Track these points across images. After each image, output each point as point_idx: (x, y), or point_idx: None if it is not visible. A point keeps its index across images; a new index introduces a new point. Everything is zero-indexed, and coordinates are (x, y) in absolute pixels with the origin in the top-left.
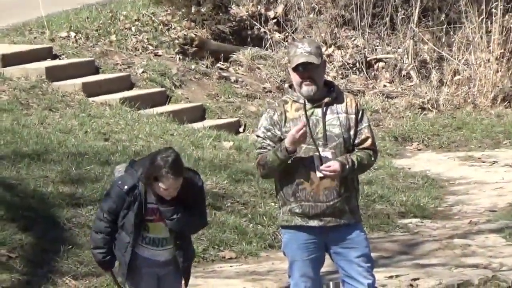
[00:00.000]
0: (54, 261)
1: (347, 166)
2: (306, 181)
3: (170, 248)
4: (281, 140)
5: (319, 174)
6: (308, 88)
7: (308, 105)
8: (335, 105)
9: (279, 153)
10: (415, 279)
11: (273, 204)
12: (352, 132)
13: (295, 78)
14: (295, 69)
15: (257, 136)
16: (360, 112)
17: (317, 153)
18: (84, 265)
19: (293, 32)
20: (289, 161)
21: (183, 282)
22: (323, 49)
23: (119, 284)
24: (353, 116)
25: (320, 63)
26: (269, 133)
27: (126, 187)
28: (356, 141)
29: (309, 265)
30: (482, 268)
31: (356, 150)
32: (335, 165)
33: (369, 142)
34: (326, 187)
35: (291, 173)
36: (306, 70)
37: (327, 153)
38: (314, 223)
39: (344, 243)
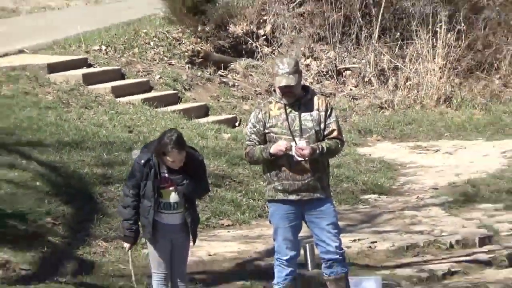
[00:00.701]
0: (89, 228)
1: (318, 151)
2: (286, 164)
3: (181, 211)
4: (264, 134)
5: (296, 159)
6: (288, 98)
7: (289, 107)
8: (309, 104)
9: (264, 154)
10: (373, 242)
11: (261, 183)
12: (322, 126)
13: (278, 90)
14: (279, 88)
15: (248, 131)
16: (329, 110)
17: (294, 143)
18: (113, 231)
19: (278, 47)
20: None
21: (191, 242)
22: (302, 60)
23: (133, 263)
24: (323, 113)
25: (296, 83)
26: (255, 129)
27: (142, 161)
28: (326, 132)
29: (289, 231)
30: (427, 234)
31: (326, 139)
32: (306, 149)
33: (335, 133)
34: (302, 169)
35: (274, 160)
36: (286, 88)
37: (302, 141)
38: (293, 197)
39: (317, 214)
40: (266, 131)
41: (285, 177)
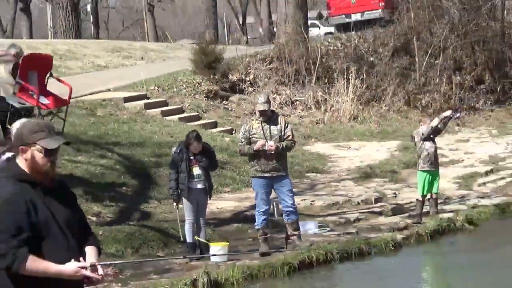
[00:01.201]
0: (147, 192)
1: (280, 147)
2: (263, 155)
3: (202, 180)
4: (249, 139)
5: (268, 152)
6: (263, 117)
7: (264, 121)
8: (275, 121)
9: (250, 150)
10: (313, 201)
11: (248, 166)
12: (283, 133)
13: (257, 113)
14: (258, 111)
15: (240, 137)
16: (287, 124)
17: (267, 143)
18: (162, 195)
19: (257, 87)
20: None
21: (208, 199)
22: (271, 95)
23: (177, 208)
24: (283, 126)
25: (268, 109)
26: (244, 136)
27: (177, 150)
28: (285, 137)
29: (265, 194)
30: (344, 196)
31: (285, 141)
32: (274, 146)
33: (290, 137)
34: (272, 157)
35: (256, 153)
36: (262, 113)
37: (271, 142)
38: (266, 174)
39: (280, 184)
40: (250, 137)
41: (262, 163)
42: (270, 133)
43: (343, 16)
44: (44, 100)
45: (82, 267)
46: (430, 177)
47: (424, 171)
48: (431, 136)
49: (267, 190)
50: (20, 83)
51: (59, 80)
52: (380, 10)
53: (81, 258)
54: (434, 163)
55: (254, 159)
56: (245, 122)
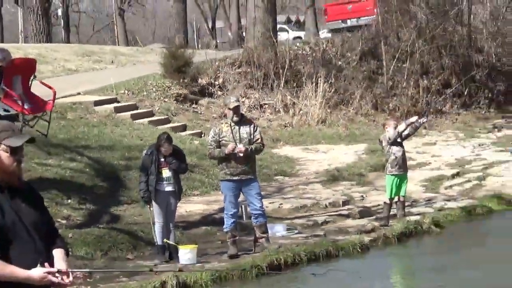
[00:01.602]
0: (117, 195)
1: (249, 150)
2: (233, 158)
3: (172, 183)
4: (219, 142)
5: (238, 155)
6: (236, 115)
7: (233, 124)
8: (244, 124)
9: (221, 154)
10: (281, 204)
11: (216, 169)
12: (252, 136)
13: (230, 113)
14: (231, 108)
15: (209, 140)
16: (256, 127)
17: (237, 145)
18: (132, 198)
19: (227, 91)
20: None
21: (178, 202)
22: (240, 98)
23: (150, 211)
24: (252, 129)
25: (240, 104)
26: (213, 139)
27: (147, 152)
28: (254, 140)
29: (233, 197)
30: (312, 199)
31: (254, 144)
32: (243, 149)
33: (259, 140)
34: (241, 160)
35: (227, 156)
36: (235, 109)
37: (241, 145)
38: (235, 177)
39: (249, 187)
40: (220, 140)
41: (231, 166)
42: (240, 136)
43: (340, 21)
44: (28, 105)
45: (49, 273)
46: (398, 180)
47: (392, 175)
48: (398, 140)
49: (236, 193)
50: (4, 89)
51: (43, 84)
52: (374, 16)
53: (46, 264)
54: (402, 166)
55: (223, 162)
56: (214, 125)
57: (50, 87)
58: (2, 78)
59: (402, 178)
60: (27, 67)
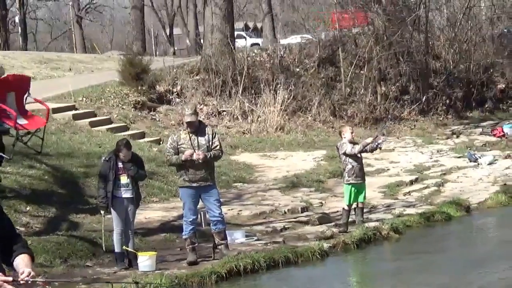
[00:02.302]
0: (76, 202)
1: (208, 156)
2: (191, 165)
3: (130, 189)
4: (177, 149)
5: (196, 162)
6: (190, 128)
7: (191, 133)
8: (203, 131)
9: (178, 160)
10: (240, 210)
11: (175, 176)
12: (210, 143)
13: (185, 124)
14: (186, 123)
15: (167, 147)
16: (214, 134)
17: (195, 152)
18: (91, 205)
19: (185, 98)
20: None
21: (136, 208)
22: (198, 106)
23: (104, 216)
24: (211, 135)
25: (196, 119)
26: (171, 146)
27: (106, 158)
28: (212, 147)
29: (192, 204)
30: (271, 205)
31: (213, 150)
32: (201, 155)
33: (218, 147)
34: (200, 167)
35: (184, 163)
36: (189, 124)
37: (199, 151)
38: (194, 184)
39: (208, 194)
40: (178, 147)
41: (190, 173)
42: (198, 143)
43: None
44: (22, 121)
45: (5, 281)
46: (356, 189)
47: (349, 184)
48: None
49: (195, 200)
50: None
51: (37, 101)
52: None
53: (0, 274)
54: (359, 175)
55: (182, 169)
56: (172, 133)
57: (44, 105)
58: None
59: (359, 186)
60: (21, 83)
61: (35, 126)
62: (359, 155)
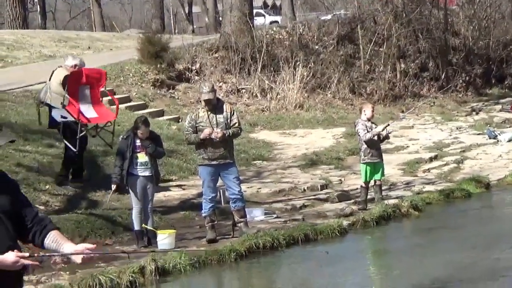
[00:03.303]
0: (95, 181)
1: (227, 134)
2: (210, 143)
3: (149, 167)
4: (196, 127)
5: (215, 140)
6: (208, 106)
7: (209, 111)
8: (221, 109)
9: (197, 139)
10: (259, 188)
11: (194, 154)
12: (229, 121)
13: (203, 102)
14: (204, 100)
15: (186, 125)
16: (233, 111)
17: (213, 130)
18: (108, 182)
19: (204, 76)
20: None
21: (155, 187)
22: (217, 83)
23: (110, 195)
24: (229, 113)
25: (214, 97)
26: (190, 124)
27: (124, 136)
28: (231, 124)
29: (211, 182)
30: (290, 183)
31: (232, 128)
32: (220, 133)
33: (237, 124)
34: (219, 145)
35: (203, 141)
36: (207, 101)
37: (218, 130)
38: (214, 162)
39: (227, 172)
40: (197, 125)
41: (209, 151)
42: (217, 121)
43: None
44: (91, 114)
45: (22, 257)
46: (372, 168)
47: (364, 163)
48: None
49: (214, 178)
50: (67, 98)
51: (110, 95)
52: None
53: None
54: (376, 154)
55: (201, 147)
56: (191, 111)
57: (114, 99)
58: (67, 86)
59: (376, 165)
60: (97, 78)
61: (104, 120)
62: (379, 136)
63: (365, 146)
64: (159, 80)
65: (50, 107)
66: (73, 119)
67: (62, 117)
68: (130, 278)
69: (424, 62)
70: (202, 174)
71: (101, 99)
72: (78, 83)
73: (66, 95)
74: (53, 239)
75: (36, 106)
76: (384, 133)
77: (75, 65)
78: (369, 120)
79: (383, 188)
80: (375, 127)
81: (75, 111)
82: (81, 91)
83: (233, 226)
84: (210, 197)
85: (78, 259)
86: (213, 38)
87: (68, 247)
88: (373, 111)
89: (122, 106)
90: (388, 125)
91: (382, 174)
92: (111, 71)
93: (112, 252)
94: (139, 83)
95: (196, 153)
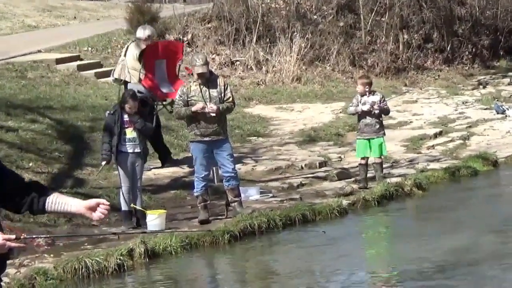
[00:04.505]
0: (81, 158)
1: (220, 109)
2: (202, 118)
3: (138, 144)
4: (187, 101)
5: (209, 115)
6: (201, 79)
7: (202, 84)
8: (214, 82)
9: (188, 111)
10: (254, 166)
11: (185, 130)
12: (222, 95)
13: (195, 75)
14: (197, 74)
15: (177, 99)
16: (226, 85)
17: (207, 105)
18: (96, 161)
19: (196, 47)
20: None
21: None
22: (210, 55)
23: (100, 172)
24: (223, 87)
25: (207, 70)
26: (181, 98)
27: (111, 111)
28: (225, 99)
29: (204, 159)
30: (287, 160)
31: (225, 102)
32: (214, 107)
33: (230, 99)
34: (212, 121)
35: (195, 115)
36: (200, 75)
37: (212, 104)
38: (206, 138)
39: (220, 149)
40: (188, 99)
41: (201, 126)
42: (210, 95)
43: None
44: (167, 89)
45: (8, 239)
46: (366, 144)
47: (359, 139)
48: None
49: (207, 155)
50: (143, 72)
51: (187, 70)
52: None
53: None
54: (366, 130)
55: (193, 123)
56: (183, 85)
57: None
58: (143, 60)
59: (371, 141)
60: (173, 50)
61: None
62: (371, 111)
63: (358, 121)
64: None
65: (126, 84)
66: (147, 93)
67: (138, 92)
68: (118, 261)
69: (428, 33)
70: (194, 151)
71: (177, 73)
72: (155, 57)
73: (142, 70)
74: (56, 201)
75: (118, 84)
76: (365, 108)
77: (149, 36)
78: (362, 95)
79: (384, 166)
80: (369, 102)
81: (153, 86)
82: (157, 66)
83: (227, 206)
84: (203, 176)
85: (94, 216)
86: (206, 8)
87: (76, 203)
88: (365, 86)
89: (109, 79)
90: (375, 103)
91: (381, 152)
92: (98, 42)
93: (101, 234)
94: None
95: (187, 129)
